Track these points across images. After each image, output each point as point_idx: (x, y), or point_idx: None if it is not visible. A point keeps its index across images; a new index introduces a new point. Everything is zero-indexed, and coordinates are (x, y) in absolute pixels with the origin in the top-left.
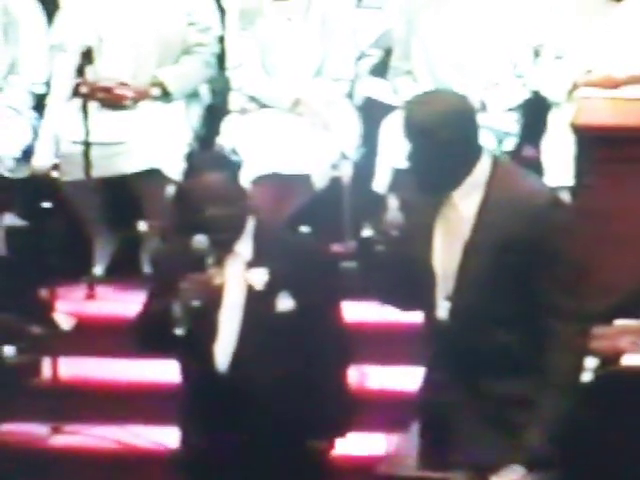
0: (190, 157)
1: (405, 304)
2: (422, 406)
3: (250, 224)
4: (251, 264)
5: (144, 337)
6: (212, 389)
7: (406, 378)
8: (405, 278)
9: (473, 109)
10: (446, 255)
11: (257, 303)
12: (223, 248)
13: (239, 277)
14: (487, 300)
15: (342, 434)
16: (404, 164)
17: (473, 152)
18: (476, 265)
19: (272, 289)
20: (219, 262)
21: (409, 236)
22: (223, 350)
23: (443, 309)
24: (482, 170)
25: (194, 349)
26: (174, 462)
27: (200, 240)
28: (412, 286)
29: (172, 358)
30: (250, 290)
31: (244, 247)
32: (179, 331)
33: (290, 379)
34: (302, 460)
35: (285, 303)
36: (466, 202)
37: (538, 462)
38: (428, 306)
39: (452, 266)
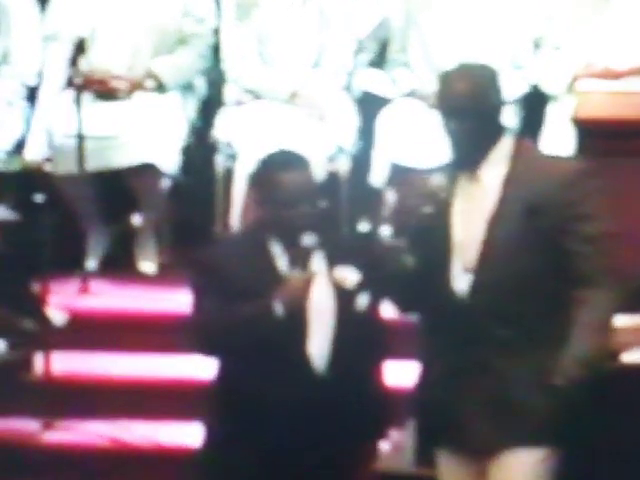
0: (197, 154)
1: (410, 297)
2: (419, 401)
3: None
4: (331, 263)
5: (233, 341)
6: (310, 390)
7: (402, 374)
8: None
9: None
10: (467, 229)
11: (348, 302)
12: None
13: (322, 275)
14: (514, 269)
15: (385, 433)
16: (404, 158)
17: (503, 123)
18: (504, 233)
19: (357, 288)
20: (296, 261)
21: (425, 221)
22: (318, 350)
23: (463, 282)
24: (505, 145)
25: (290, 348)
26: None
27: (310, 238)
28: (422, 271)
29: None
30: (339, 289)
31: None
32: (281, 331)
33: (362, 377)
34: (348, 462)
35: (363, 300)
36: (490, 175)
37: (570, 384)
38: (441, 285)
39: (474, 239)
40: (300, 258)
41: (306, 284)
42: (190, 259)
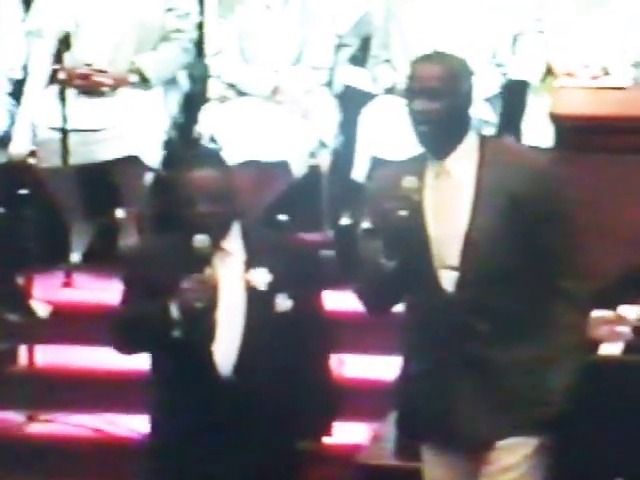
0: (177, 149)
1: (388, 297)
2: (402, 396)
3: (236, 223)
4: (248, 264)
5: (132, 339)
6: (214, 392)
7: (383, 367)
8: (394, 265)
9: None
10: (442, 225)
11: (259, 304)
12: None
13: (236, 277)
14: (499, 262)
15: (329, 429)
16: (385, 154)
17: (471, 115)
18: (487, 226)
19: (273, 289)
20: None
21: (401, 222)
22: (225, 353)
23: (448, 280)
24: (471, 140)
25: (191, 351)
26: (148, 456)
27: (202, 239)
28: (402, 270)
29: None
30: (251, 291)
31: (234, 246)
32: (177, 333)
33: (284, 378)
34: (291, 461)
35: (284, 303)
36: (460, 167)
37: (558, 409)
38: (424, 284)
39: (452, 234)
40: (198, 258)
41: (202, 286)
42: (123, 254)
